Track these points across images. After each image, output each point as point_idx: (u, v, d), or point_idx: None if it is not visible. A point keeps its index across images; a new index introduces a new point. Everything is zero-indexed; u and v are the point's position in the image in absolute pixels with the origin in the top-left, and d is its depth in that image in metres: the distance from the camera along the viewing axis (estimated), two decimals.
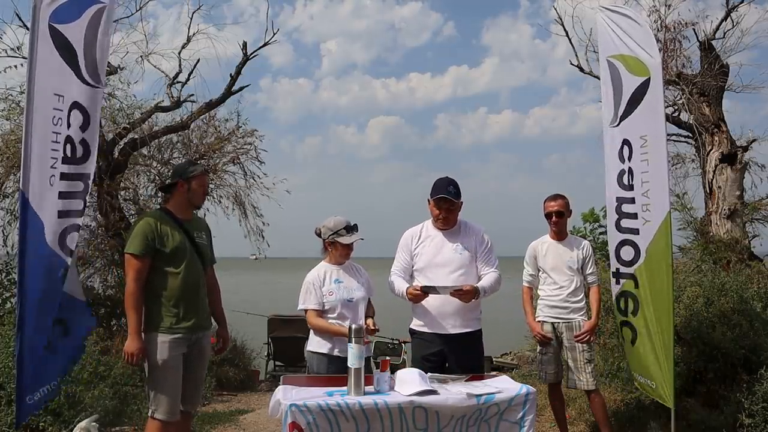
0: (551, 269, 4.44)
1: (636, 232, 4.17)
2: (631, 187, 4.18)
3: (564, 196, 4.51)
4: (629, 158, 4.20)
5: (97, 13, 3.66)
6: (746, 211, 7.61)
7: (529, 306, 4.60)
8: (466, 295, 3.58)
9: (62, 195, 3.47)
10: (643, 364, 4.16)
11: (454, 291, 3.56)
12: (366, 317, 3.76)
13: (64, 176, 3.48)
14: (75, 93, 3.55)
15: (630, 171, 4.18)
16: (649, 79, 4.10)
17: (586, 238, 6.91)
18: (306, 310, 3.71)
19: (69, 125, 3.52)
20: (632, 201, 4.18)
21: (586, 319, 4.37)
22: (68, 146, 3.51)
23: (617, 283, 4.35)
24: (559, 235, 4.48)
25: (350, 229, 3.76)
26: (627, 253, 4.25)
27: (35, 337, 3.33)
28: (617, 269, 4.34)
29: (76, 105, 3.55)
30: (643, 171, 4.11)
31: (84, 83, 3.59)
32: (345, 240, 3.72)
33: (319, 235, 3.83)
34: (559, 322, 4.40)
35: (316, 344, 3.70)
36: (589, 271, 4.42)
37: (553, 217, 4.43)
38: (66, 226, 3.49)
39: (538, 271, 4.53)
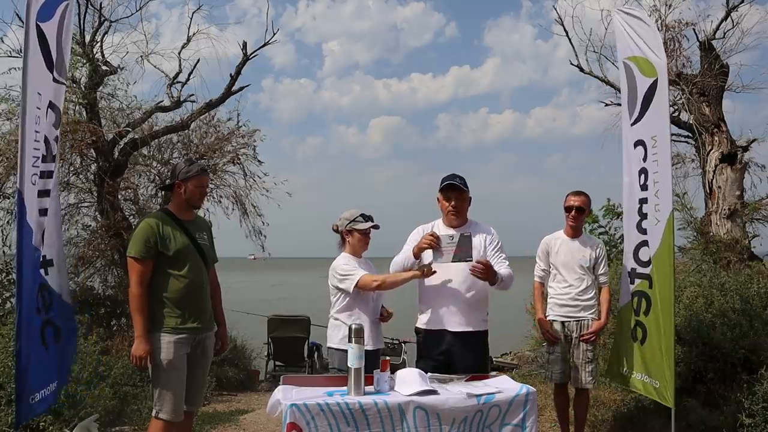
0: (562, 266, 4.40)
1: (649, 232, 4.17)
2: (646, 188, 4.18)
3: (587, 194, 4.48)
4: (644, 159, 4.20)
5: (65, 10, 3.67)
6: (746, 211, 7.61)
7: (539, 303, 4.55)
8: (484, 271, 3.46)
9: (40, 193, 3.47)
10: (650, 363, 4.13)
11: (477, 261, 3.44)
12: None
13: (42, 174, 3.47)
14: (49, 91, 3.55)
15: (645, 172, 4.19)
16: (657, 79, 4.13)
17: None
18: (357, 281, 3.68)
19: (47, 123, 3.52)
20: (646, 201, 4.18)
21: (595, 317, 4.36)
22: (45, 145, 3.49)
23: (631, 282, 4.32)
24: (575, 231, 4.45)
25: (366, 217, 3.88)
26: (644, 253, 4.22)
27: (31, 336, 3.33)
28: (633, 269, 4.30)
29: (50, 103, 3.55)
30: (654, 171, 4.12)
31: (54, 81, 3.59)
32: (361, 226, 3.83)
33: (336, 230, 3.94)
34: (569, 321, 4.36)
35: (332, 340, 3.78)
36: (602, 272, 4.40)
37: (573, 212, 4.39)
38: (44, 224, 3.49)
39: (550, 266, 4.50)
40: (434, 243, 3.48)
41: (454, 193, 3.69)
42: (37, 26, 3.39)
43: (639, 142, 4.25)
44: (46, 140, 3.50)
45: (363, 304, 3.80)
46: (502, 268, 3.67)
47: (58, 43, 3.60)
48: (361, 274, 3.71)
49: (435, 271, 3.60)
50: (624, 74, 4.44)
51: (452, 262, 3.49)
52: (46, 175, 3.50)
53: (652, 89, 4.17)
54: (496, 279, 3.55)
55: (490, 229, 3.85)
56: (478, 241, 3.72)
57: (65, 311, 3.70)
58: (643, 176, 4.21)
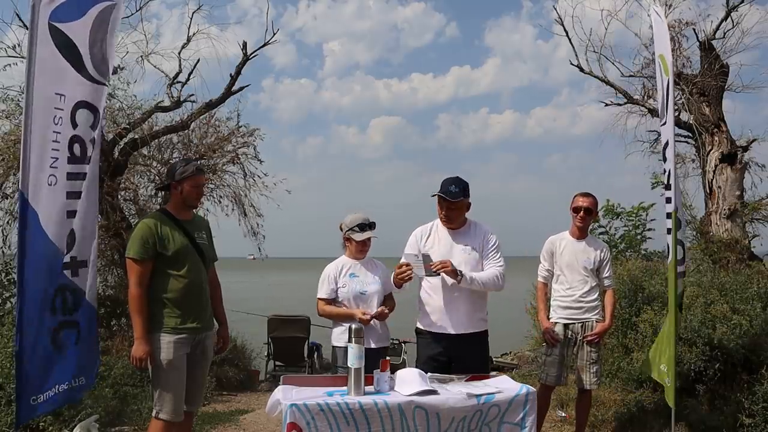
0: (566, 266, 4.38)
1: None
2: (669, 187, 4.17)
3: (594, 196, 4.46)
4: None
5: (103, 11, 3.65)
6: (746, 211, 7.61)
7: (542, 303, 4.52)
8: (445, 268, 3.51)
9: (69, 195, 3.46)
10: (671, 360, 4.10)
11: (434, 263, 3.51)
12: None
13: (69, 176, 3.44)
14: (80, 92, 3.53)
15: (669, 172, 4.18)
16: (669, 78, 4.19)
17: None
18: (318, 299, 3.93)
19: (75, 125, 3.49)
20: (669, 201, 4.15)
21: (600, 318, 4.34)
22: (75, 145, 3.47)
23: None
24: (581, 232, 4.43)
25: (365, 227, 3.91)
26: (680, 252, 4.19)
27: (37, 337, 3.31)
28: (684, 272, 4.26)
29: (82, 104, 3.52)
30: (671, 170, 4.13)
31: (90, 81, 3.58)
32: (357, 237, 3.89)
33: (341, 229, 4.01)
34: (573, 323, 4.34)
35: (336, 339, 3.88)
36: (606, 275, 4.38)
37: (581, 213, 4.36)
38: (71, 227, 3.48)
39: (554, 267, 4.47)
40: (407, 276, 3.59)
41: (446, 203, 3.70)
42: (52, 26, 3.37)
43: (666, 144, 4.26)
44: (78, 141, 3.48)
45: (365, 304, 3.85)
46: (494, 267, 3.70)
47: (92, 44, 3.58)
48: (322, 296, 3.90)
49: (383, 314, 3.81)
50: (658, 72, 4.51)
51: (426, 276, 3.61)
52: (74, 176, 3.48)
53: (669, 88, 4.20)
54: (459, 278, 3.56)
55: (488, 229, 3.86)
56: (477, 240, 3.76)
57: (90, 312, 3.69)
58: (669, 176, 4.19)
